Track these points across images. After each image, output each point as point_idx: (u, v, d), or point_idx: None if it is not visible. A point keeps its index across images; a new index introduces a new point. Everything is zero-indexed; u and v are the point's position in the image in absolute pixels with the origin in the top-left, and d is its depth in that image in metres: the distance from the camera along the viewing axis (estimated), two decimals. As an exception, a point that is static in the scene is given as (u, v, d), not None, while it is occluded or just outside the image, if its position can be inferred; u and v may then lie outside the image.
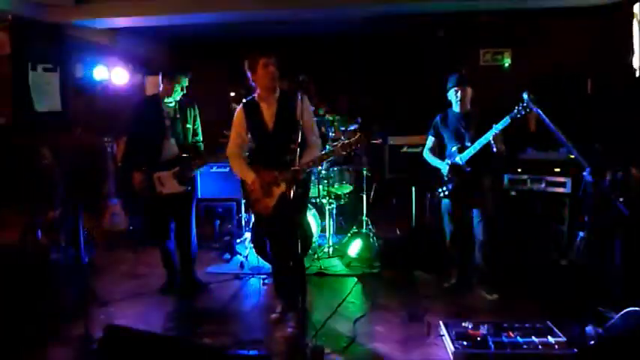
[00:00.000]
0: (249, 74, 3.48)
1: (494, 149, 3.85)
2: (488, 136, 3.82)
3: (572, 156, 4.52)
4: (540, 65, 6.49)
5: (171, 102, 4.09)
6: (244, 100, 3.63)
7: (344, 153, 3.39)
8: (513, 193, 4.96)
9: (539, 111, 3.61)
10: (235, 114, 3.63)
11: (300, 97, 3.31)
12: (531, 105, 3.67)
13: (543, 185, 4.84)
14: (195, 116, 4.22)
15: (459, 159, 4.02)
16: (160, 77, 4.10)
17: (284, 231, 3.45)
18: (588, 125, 5.19)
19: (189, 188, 4.16)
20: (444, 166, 4.12)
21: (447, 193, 4.13)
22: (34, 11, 5.33)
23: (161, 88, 4.09)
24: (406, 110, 7.69)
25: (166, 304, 4.17)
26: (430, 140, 4.32)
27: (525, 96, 3.68)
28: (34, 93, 5.21)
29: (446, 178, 4.12)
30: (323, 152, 3.50)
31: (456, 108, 4.13)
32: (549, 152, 4.96)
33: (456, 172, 4.05)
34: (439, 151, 4.29)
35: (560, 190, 4.75)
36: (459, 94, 4.04)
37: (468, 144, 3.98)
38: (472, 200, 4.09)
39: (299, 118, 3.27)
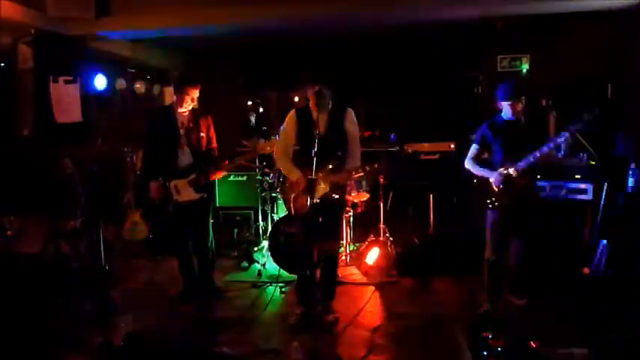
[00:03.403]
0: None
1: (562, 153, 3.68)
2: (552, 145, 3.61)
3: (593, 162, 4.49)
4: (559, 70, 6.41)
5: (184, 112, 4.19)
6: (297, 107, 3.85)
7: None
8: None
9: (558, 117, 3.58)
10: (287, 117, 3.84)
11: (348, 110, 3.73)
12: (549, 111, 3.64)
13: (563, 192, 4.76)
14: (208, 125, 4.32)
15: (514, 169, 3.77)
16: (172, 88, 4.25)
17: (318, 231, 3.57)
18: (608, 131, 5.10)
19: (205, 195, 4.24)
20: (496, 176, 3.83)
21: (496, 204, 3.86)
22: (56, 25, 5.45)
23: (174, 99, 4.20)
24: (423, 117, 7.68)
25: (185, 313, 4.20)
26: (474, 149, 4.04)
27: (544, 102, 3.65)
28: (55, 105, 5.33)
29: (496, 189, 3.85)
30: (358, 167, 3.70)
31: (507, 116, 3.89)
32: (569, 158, 4.88)
33: (509, 182, 3.79)
34: (482, 160, 4.03)
35: (581, 196, 4.66)
36: (517, 107, 3.80)
37: (523, 154, 3.74)
38: (523, 213, 3.87)
39: (347, 128, 3.69)
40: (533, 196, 3.97)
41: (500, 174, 3.80)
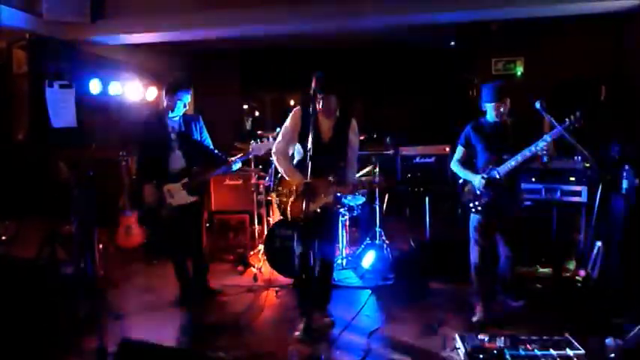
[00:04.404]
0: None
1: (545, 159, 3.65)
2: (534, 149, 3.55)
3: (588, 164, 4.51)
4: (553, 73, 6.45)
5: (175, 116, 4.22)
6: (303, 106, 3.72)
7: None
8: (528, 202, 4.89)
9: (552, 119, 3.59)
10: (292, 113, 3.72)
11: (353, 121, 3.69)
12: (544, 113, 3.65)
13: (558, 194, 4.77)
14: (200, 127, 4.35)
15: (496, 172, 3.73)
16: (163, 93, 4.25)
17: (313, 238, 3.51)
18: (602, 132, 5.13)
19: (199, 199, 4.27)
20: (478, 180, 3.79)
21: (479, 208, 3.82)
22: (51, 29, 5.44)
23: (165, 104, 4.23)
24: (418, 120, 7.71)
25: (180, 317, 4.19)
26: (460, 151, 3.99)
27: (538, 105, 3.65)
28: (50, 109, 5.32)
29: (478, 192, 3.81)
30: (364, 181, 3.80)
31: (492, 118, 3.82)
32: (564, 160, 4.90)
33: (492, 186, 3.74)
34: (469, 162, 3.98)
35: (576, 199, 4.68)
36: (501, 109, 3.73)
37: (506, 156, 3.70)
38: (505, 217, 3.83)
39: (350, 139, 3.65)
40: (516, 200, 3.93)
41: (483, 177, 3.76)
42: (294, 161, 3.79)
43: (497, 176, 3.71)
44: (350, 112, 3.77)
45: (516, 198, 3.94)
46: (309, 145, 3.37)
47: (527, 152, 3.58)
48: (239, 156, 4.33)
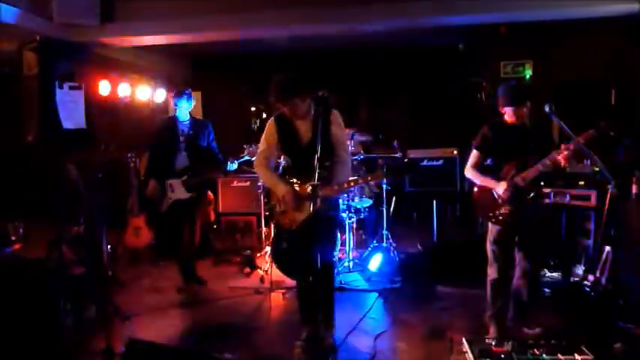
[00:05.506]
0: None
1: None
2: (565, 152, 3.29)
3: (597, 168, 4.48)
4: (562, 76, 6.41)
5: (186, 121, 4.65)
6: (276, 113, 3.59)
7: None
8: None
9: (562, 123, 3.55)
10: (267, 126, 3.60)
11: (333, 113, 3.41)
12: (553, 117, 3.60)
13: (567, 198, 4.74)
14: (208, 134, 4.74)
15: (521, 178, 3.43)
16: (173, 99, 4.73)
17: (308, 247, 3.29)
18: (612, 136, 5.08)
19: (195, 195, 4.62)
20: (501, 187, 3.46)
21: (500, 218, 3.49)
22: (61, 31, 5.49)
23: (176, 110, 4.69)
24: (426, 123, 7.68)
25: (187, 318, 4.21)
26: (475, 155, 3.64)
27: (547, 108, 3.61)
28: (60, 111, 5.37)
29: (500, 201, 3.49)
30: (351, 180, 3.46)
31: (511, 120, 3.55)
32: (573, 165, 4.87)
33: (516, 193, 3.44)
34: (484, 167, 3.64)
35: (585, 203, 4.65)
36: (521, 112, 3.49)
37: (530, 161, 3.42)
38: (528, 226, 3.54)
39: (333, 134, 3.38)
40: (540, 207, 3.72)
41: (508, 184, 3.44)
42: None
43: (522, 183, 3.43)
44: (328, 105, 3.44)
45: (540, 206, 3.70)
46: (318, 147, 3.24)
47: (557, 155, 3.34)
48: (235, 158, 4.71)
